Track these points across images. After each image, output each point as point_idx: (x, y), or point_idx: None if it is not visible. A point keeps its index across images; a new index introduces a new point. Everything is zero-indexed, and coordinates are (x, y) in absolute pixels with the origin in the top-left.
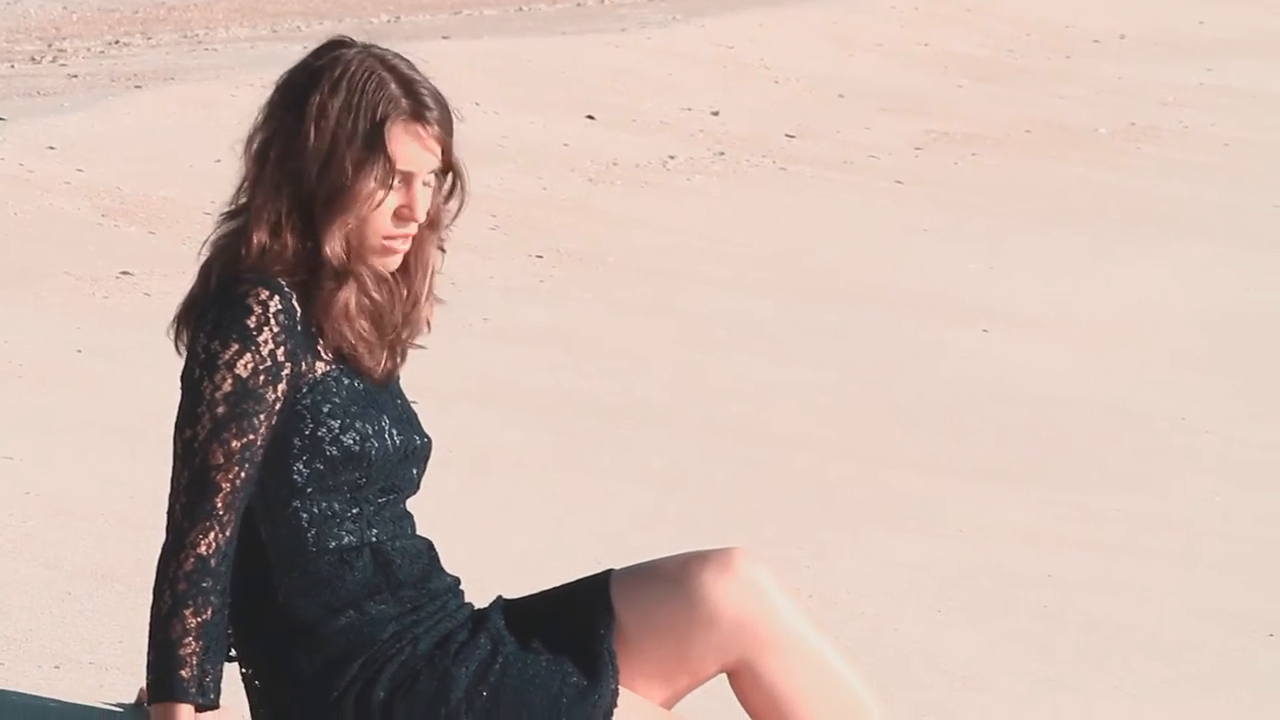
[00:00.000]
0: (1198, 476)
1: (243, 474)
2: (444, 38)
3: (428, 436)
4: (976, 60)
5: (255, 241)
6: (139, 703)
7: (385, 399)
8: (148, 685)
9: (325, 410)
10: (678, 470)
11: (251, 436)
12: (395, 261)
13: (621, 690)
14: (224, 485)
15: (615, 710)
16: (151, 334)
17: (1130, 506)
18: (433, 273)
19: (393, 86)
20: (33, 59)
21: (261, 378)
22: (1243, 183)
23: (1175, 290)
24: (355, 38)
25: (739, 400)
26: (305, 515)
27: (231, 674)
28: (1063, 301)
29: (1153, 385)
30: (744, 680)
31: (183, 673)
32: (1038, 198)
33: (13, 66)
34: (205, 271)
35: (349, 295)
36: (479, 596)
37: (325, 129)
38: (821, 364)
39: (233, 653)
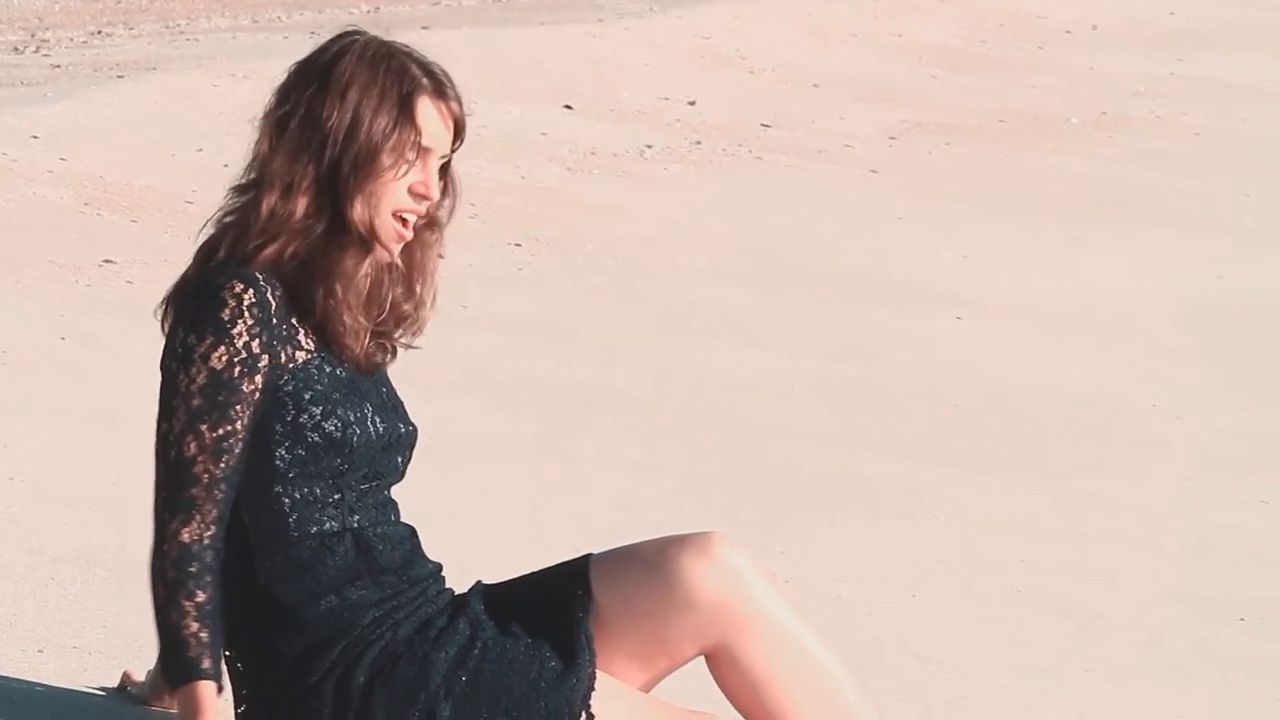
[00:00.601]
0: (1169, 463)
1: (222, 464)
2: (423, 28)
3: (413, 425)
4: (950, 51)
5: (265, 207)
6: (122, 687)
7: (368, 387)
8: (165, 677)
9: (307, 397)
10: (655, 457)
11: (228, 427)
12: (396, 249)
13: (599, 674)
14: (202, 475)
15: (593, 694)
16: (134, 321)
17: (1102, 493)
18: (436, 278)
19: (414, 66)
20: (16, 49)
21: (236, 370)
22: (1214, 171)
23: (1147, 278)
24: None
25: (715, 388)
26: (287, 500)
27: None
28: (1035, 289)
29: (1125, 372)
30: (722, 663)
31: (189, 653)
32: (1011, 187)
33: None
34: (206, 251)
35: (363, 263)
36: (458, 582)
37: (350, 99)
38: (797, 351)
39: None
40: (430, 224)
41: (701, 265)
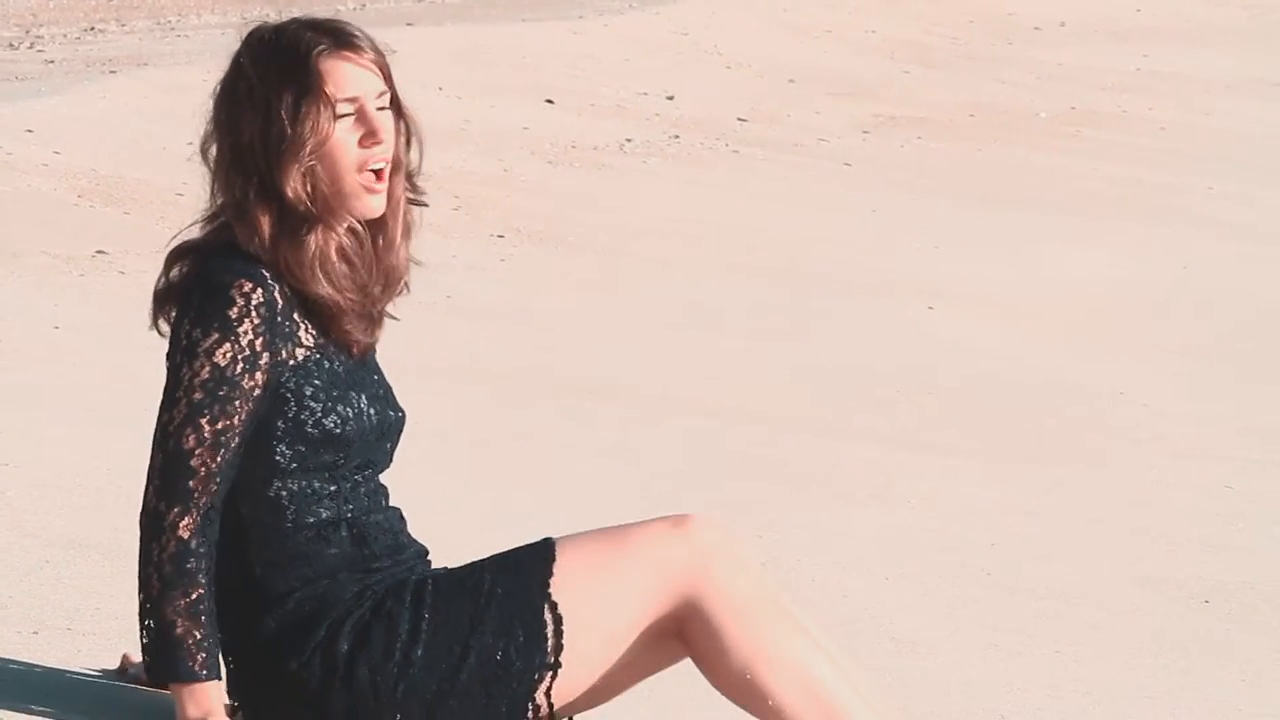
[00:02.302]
0: (1136, 449)
1: (218, 458)
2: (408, 24)
3: (402, 411)
4: (922, 47)
5: (243, 238)
6: (122, 669)
7: (363, 376)
8: (147, 665)
9: (308, 393)
10: (634, 442)
11: (226, 422)
12: (376, 203)
13: (558, 559)
14: (199, 469)
15: (551, 579)
16: (126, 311)
17: (1071, 478)
18: (407, 220)
19: (309, 29)
20: (11, 45)
21: (239, 366)
22: (1179, 164)
23: (1114, 269)
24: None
25: (693, 375)
26: (285, 494)
27: None
28: (1005, 280)
29: (1092, 361)
30: (697, 642)
31: (180, 653)
32: (981, 180)
33: None
34: (180, 263)
35: (320, 238)
36: (439, 563)
37: (257, 92)
38: (772, 339)
39: None
40: (394, 168)
41: (679, 256)
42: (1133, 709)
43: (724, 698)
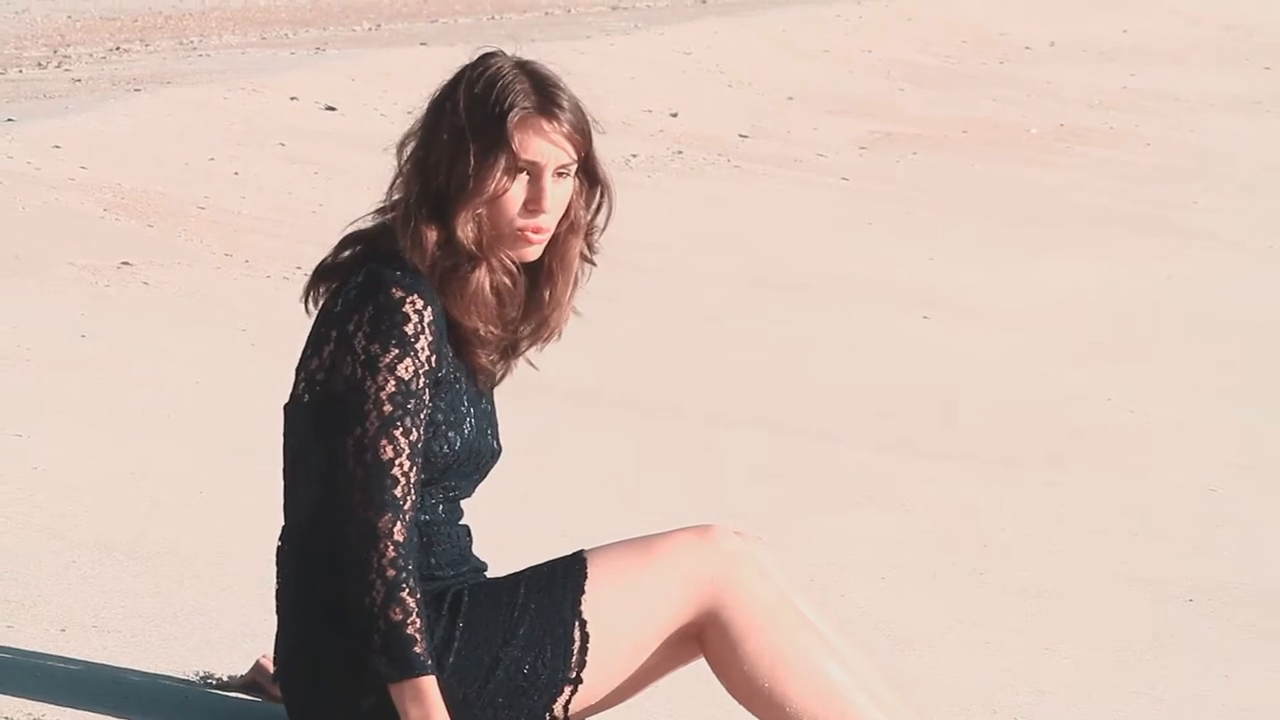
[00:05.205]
0: (1122, 453)
1: (415, 465)
2: (421, 44)
3: (500, 445)
4: (917, 65)
5: (401, 235)
6: (252, 679)
7: (480, 406)
8: (379, 669)
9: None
10: (637, 449)
11: (417, 433)
12: (531, 252)
13: (590, 574)
14: (400, 477)
15: (583, 596)
16: (150, 320)
17: (1061, 481)
18: (576, 280)
19: (523, 85)
20: (39, 64)
21: (420, 380)
22: (1164, 179)
23: (1102, 279)
24: (506, 49)
25: (695, 383)
26: None
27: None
28: (998, 290)
29: (1081, 368)
30: (713, 645)
31: (416, 650)
32: (974, 194)
33: (21, 71)
34: (350, 248)
35: (482, 276)
36: None
37: (456, 125)
38: (773, 349)
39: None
40: (571, 228)
41: (682, 267)
42: (1119, 704)
43: (739, 704)
